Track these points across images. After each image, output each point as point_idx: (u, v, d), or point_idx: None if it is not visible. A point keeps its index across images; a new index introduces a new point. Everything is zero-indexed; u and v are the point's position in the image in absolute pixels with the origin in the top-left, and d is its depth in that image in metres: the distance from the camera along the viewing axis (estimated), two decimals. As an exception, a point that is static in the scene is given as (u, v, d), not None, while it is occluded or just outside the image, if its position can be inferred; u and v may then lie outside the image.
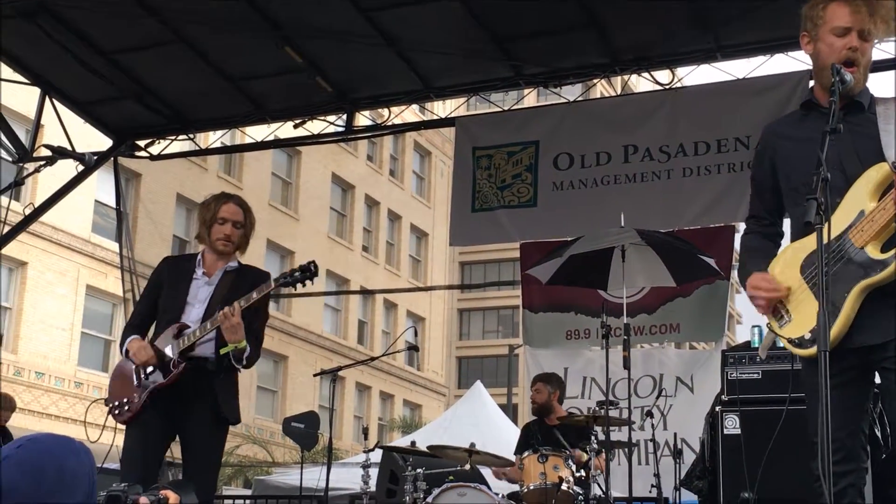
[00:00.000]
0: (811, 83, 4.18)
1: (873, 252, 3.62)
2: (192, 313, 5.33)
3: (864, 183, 3.69)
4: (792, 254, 3.87)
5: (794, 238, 3.93)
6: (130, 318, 5.62)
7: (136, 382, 5.25)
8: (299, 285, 5.21)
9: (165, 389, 5.18)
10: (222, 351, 5.15)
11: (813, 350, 3.61)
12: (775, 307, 3.86)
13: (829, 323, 3.30)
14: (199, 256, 5.56)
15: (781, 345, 3.93)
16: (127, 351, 5.34)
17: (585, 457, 7.27)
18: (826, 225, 3.20)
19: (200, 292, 5.40)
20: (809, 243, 3.70)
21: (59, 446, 2.41)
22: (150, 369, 5.22)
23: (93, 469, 2.45)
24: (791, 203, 3.95)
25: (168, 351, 5.20)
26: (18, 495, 2.27)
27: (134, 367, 5.27)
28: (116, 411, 5.29)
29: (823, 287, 3.10)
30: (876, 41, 3.92)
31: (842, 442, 3.60)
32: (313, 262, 5.21)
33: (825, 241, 3.18)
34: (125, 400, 5.27)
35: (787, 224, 4.13)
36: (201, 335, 5.17)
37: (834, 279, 3.54)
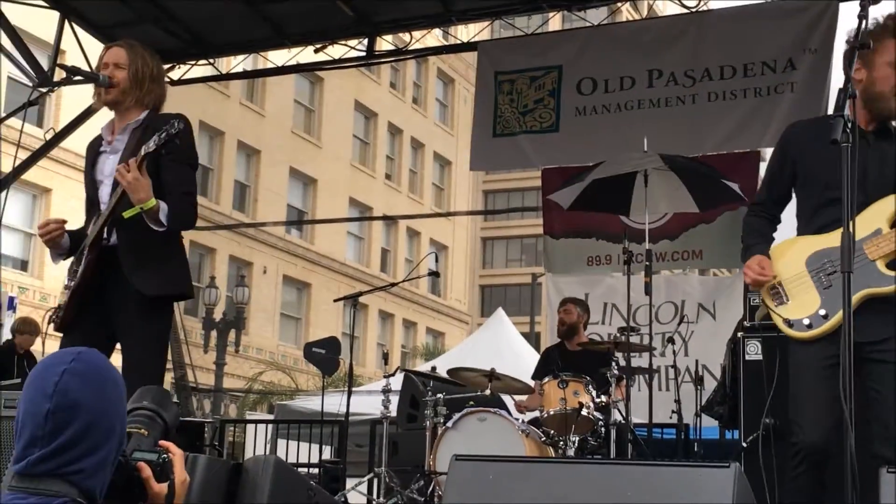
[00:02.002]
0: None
1: (882, 267, 4.01)
2: (104, 192, 4.67)
3: (885, 207, 4.05)
4: (799, 245, 4.22)
5: (798, 228, 4.32)
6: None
7: (66, 284, 4.69)
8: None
9: (84, 287, 4.58)
10: (125, 214, 4.43)
11: (805, 333, 4.06)
12: (775, 288, 4.20)
13: (829, 313, 3.98)
14: (108, 124, 4.81)
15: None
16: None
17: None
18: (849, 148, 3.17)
19: (106, 166, 4.70)
20: (822, 241, 4.09)
21: (104, 359, 2.36)
22: (75, 267, 4.63)
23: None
24: (805, 196, 4.31)
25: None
26: (88, 407, 2.21)
27: (69, 267, 4.70)
28: (53, 318, 4.71)
29: (847, 215, 3.06)
30: None
31: (819, 444, 3.98)
32: (177, 116, 4.46)
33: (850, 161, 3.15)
34: (59, 305, 4.71)
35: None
36: (107, 217, 4.51)
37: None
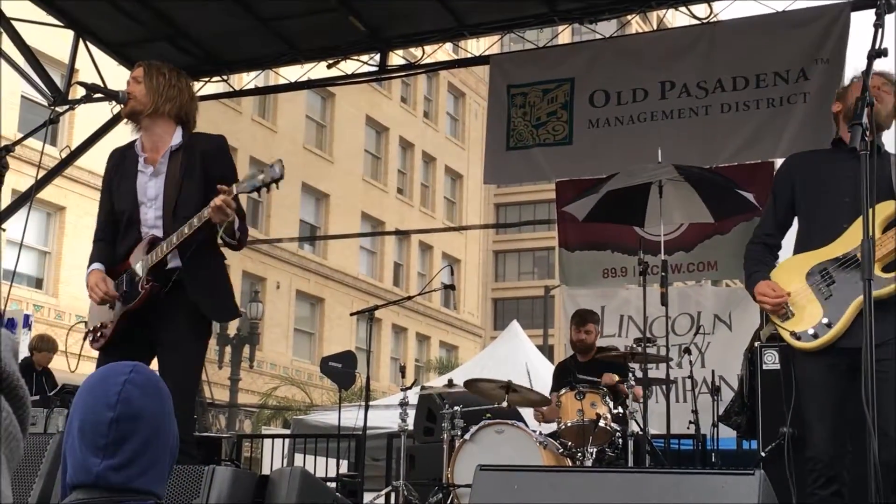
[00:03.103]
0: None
1: (878, 271, 4.14)
2: (149, 215, 4.74)
3: (876, 213, 4.14)
4: (798, 262, 4.47)
5: (796, 248, 4.59)
6: (95, 232, 5.00)
7: (110, 307, 4.79)
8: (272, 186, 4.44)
9: (136, 311, 4.69)
10: (223, 231, 4.54)
11: (812, 343, 4.28)
12: (781, 305, 4.44)
13: (832, 321, 4.21)
14: (138, 142, 4.87)
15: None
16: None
17: (621, 385, 7.30)
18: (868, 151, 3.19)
19: (149, 188, 4.75)
20: (819, 255, 4.36)
21: (157, 374, 2.38)
22: (124, 288, 4.71)
23: None
24: (803, 217, 4.60)
25: (138, 269, 4.68)
26: (149, 418, 2.23)
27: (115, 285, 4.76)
28: (92, 338, 4.85)
29: (867, 211, 3.08)
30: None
31: (829, 458, 4.29)
32: (279, 161, 4.47)
33: (868, 164, 3.17)
34: (100, 325, 4.82)
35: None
36: (170, 248, 4.59)
37: (840, 288, 4.26)
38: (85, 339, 4.88)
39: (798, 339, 4.34)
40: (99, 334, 4.80)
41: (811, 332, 4.29)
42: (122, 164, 4.86)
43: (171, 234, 4.62)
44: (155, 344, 4.72)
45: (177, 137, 4.80)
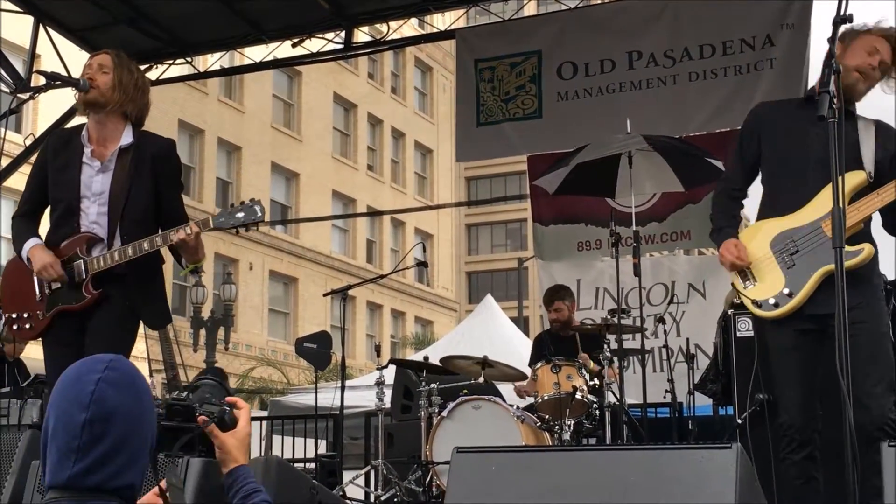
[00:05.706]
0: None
1: None
2: (91, 210, 4.61)
3: (843, 182, 4.10)
4: (762, 228, 4.43)
5: (761, 209, 4.53)
6: (20, 206, 4.85)
7: (38, 296, 4.64)
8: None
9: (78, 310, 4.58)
10: (188, 270, 4.62)
11: (772, 312, 4.29)
12: (743, 271, 4.41)
13: (793, 292, 4.21)
14: (85, 131, 4.72)
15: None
16: (28, 258, 4.64)
17: (591, 364, 7.33)
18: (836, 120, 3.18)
19: (95, 183, 4.62)
20: (784, 223, 4.32)
21: (134, 367, 2.33)
22: (55, 284, 4.59)
23: None
24: (769, 175, 4.52)
25: (80, 267, 4.55)
26: (124, 416, 2.19)
27: (35, 276, 4.62)
28: (15, 325, 4.68)
29: (836, 178, 3.07)
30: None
31: (801, 423, 4.24)
32: (259, 203, 4.50)
33: (836, 133, 3.16)
34: (26, 315, 4.66)
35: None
36: (123, 259, 4.50)
37: (803, 259, 4.24)
38: (6, 324, 4.74)
39: (759, 307, 4.35)
40: (27, 325, 4.67)
41: (772, 301, 4.30)
42: (66, 150, 4.74)
43: (121, 241, 4.56)
44: (81, 333, 4.59)
45: (127, 136, 4.71)
